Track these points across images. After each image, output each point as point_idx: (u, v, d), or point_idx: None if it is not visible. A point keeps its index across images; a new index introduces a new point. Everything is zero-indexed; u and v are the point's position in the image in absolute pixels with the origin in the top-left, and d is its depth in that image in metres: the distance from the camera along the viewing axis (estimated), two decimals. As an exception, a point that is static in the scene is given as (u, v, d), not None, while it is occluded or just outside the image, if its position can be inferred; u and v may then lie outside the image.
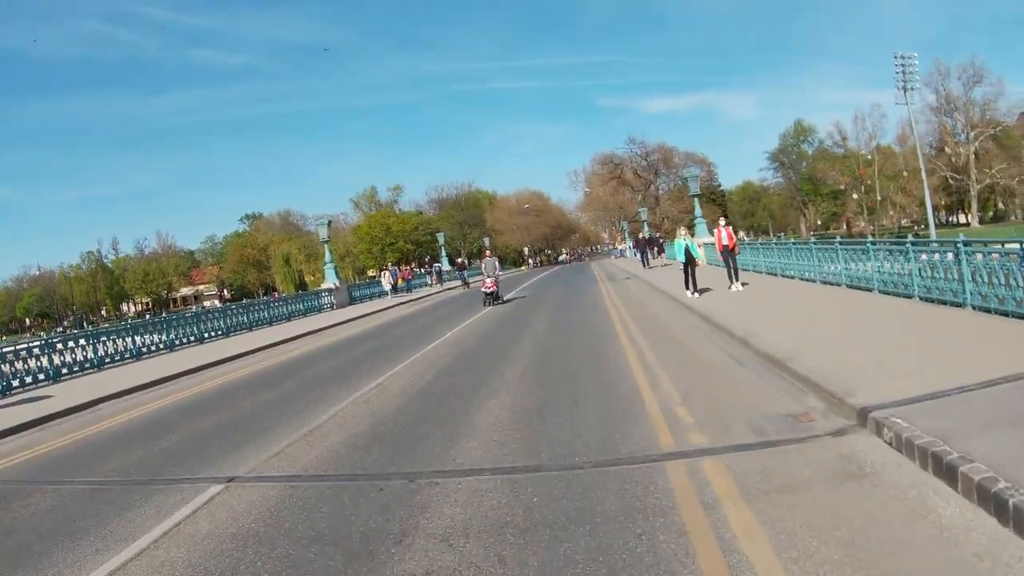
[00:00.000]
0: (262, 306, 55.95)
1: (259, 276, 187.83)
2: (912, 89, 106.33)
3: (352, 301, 68.11)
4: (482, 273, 52.31)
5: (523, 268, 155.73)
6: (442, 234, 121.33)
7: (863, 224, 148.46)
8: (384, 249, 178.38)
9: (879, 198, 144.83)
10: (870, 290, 26.42)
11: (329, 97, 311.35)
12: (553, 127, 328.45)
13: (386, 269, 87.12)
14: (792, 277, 36.38)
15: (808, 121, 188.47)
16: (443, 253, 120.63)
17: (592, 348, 23.47)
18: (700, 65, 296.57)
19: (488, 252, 56.55)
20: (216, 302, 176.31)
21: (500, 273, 53.78)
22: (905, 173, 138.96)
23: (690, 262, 34.49)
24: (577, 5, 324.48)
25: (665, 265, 64.59)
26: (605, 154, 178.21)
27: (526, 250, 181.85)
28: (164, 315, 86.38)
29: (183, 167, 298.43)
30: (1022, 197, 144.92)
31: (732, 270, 34.06)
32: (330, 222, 72.31)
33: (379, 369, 24.03)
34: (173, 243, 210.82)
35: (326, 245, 70.95)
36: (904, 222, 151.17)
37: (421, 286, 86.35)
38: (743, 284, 34.43)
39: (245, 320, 51.84)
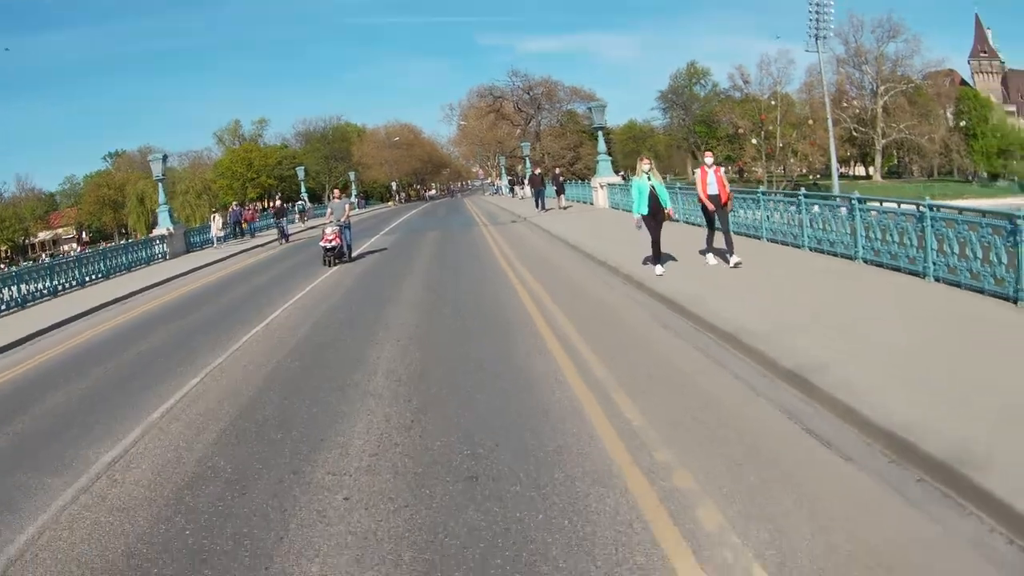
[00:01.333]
0: (69, 263, 42.64)
1: (116, 217, 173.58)
2: (824, 38, 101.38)
3: (190, 248, 56.94)
4: (326, 220, 40.28)
5: (390, 204, 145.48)
6: (302, 167, 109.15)
7: (760, 171, 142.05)
8: (245, 184, 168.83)
9: (780, 145, 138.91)
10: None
11: (206, 32, 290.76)
12: (431, 63, 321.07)
13: (216, 211, 72.23)
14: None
15: (702, 64, 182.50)
16: (303, 189, 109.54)
17: (508, 373, 13.80)
18: (582, 4, 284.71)
19: (338, 193, 40.79)
20: (75, 246, 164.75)
21: (353, 215, 44.72)
22: (811, 122, 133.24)
23: (655, 214, 21.30)
24: None
25: (565, 208, 55.32)
26: (485, 86, 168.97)
27: (394, 185, 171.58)
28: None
29: (52, 106, 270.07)
30: (931, 155, 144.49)
31: (725, 234, 21.37)
32: (165, 156, 60.09)
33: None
34: (33, 186, 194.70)
35: (160, 184, 58.69)
36: (803, 171, 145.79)
37: (266, 229, 71.49)
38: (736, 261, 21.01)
39: (43, 286, 36.70)
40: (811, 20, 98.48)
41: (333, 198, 40.52)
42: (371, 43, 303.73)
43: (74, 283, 39.54)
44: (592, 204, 56.14)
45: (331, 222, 35.91)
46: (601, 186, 54.45)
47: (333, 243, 34.56)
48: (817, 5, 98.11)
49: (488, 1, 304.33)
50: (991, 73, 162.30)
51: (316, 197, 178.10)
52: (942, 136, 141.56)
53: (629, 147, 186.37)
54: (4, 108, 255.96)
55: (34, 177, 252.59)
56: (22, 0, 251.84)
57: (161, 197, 58.31)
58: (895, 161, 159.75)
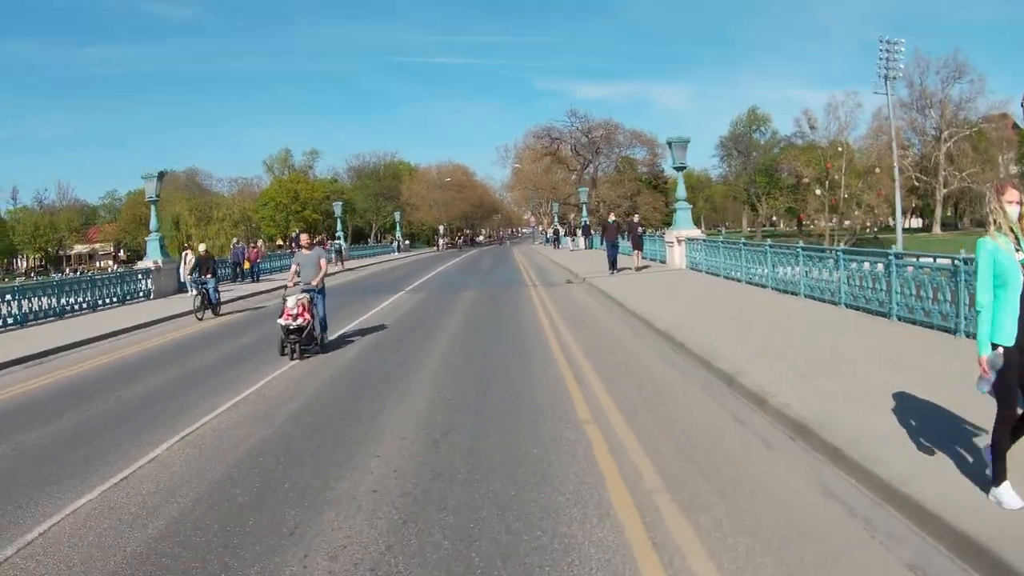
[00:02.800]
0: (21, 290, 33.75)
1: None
2: (894, 78, 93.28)
3: (183, 287, 45.60)
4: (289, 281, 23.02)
5: (434, 249, 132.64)
6: (340, 203, 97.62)
7: (822, 224, 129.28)
8: (289, 217, 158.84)
9: (845, 195, 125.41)
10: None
11: (266, 59, 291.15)
12: (487, 106, 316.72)
13: (188, 248, 52.12)
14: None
15: (763, 109, 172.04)
16: (339, 226, 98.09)
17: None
18: (638, 53, 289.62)
19: (306, 240, 23.97)
20: (111, 262, 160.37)
21: (395, 259, 37.57)
22: (878, 170, 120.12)
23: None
24: None
25: (641, 268, 44.24)
26: (543, 127, 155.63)
27: (441, 228, 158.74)
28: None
29: (112, 119, 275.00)
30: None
31: None
32: (161, 174, 47.74)
33: None
34: (75, 196, 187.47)
35: (153, 207, 47.35)
36: (867, 225, 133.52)
37: (279, 271, 62.41)
38: None
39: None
40: (881, 59, 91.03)
41: (301, 247, 23.30)
42: (428, 82, 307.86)
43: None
44: (665, 263, 45.93)
45: (295, 286, 21.55)
46: (679, 241, 43.38)
47: (299, 322, 20.51)
48: (888, 44, 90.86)
49: (545, 46, 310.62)
50: None
51: (362, 236, 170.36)
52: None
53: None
54: (58, 114, 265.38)
55: (77, 188, 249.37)
56: (87, 13, 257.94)
57: (152, 223, 48.11)
58: (949, 212, 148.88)
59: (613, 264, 42.99)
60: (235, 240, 73.11)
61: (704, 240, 41.85)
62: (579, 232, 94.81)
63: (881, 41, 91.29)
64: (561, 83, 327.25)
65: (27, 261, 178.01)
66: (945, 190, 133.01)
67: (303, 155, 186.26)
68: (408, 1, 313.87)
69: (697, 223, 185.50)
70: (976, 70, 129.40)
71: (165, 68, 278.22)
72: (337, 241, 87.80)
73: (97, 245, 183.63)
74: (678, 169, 46.36)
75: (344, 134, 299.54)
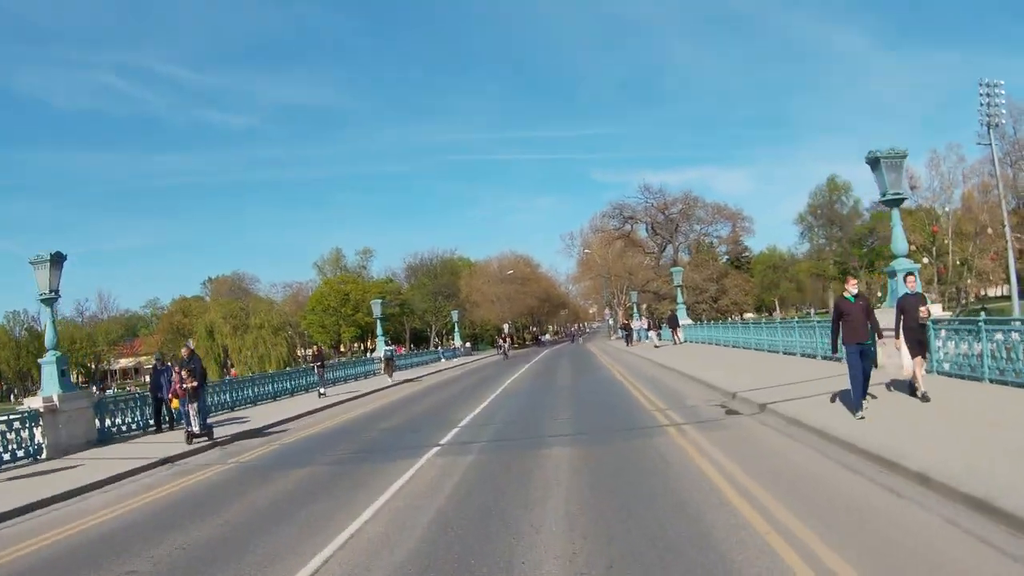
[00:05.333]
0: None
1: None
2: (997, 126, 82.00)
3: (106, 436, 29.75)
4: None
5: (498, 352, 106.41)
6: (378, 302, 78.48)
7: (934, 295, 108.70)
8: (340, 321, 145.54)
9: (956, 262, 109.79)
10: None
11: (323, 164, 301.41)
12: (546, 200, 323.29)
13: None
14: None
15: (843, 178, 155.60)
16: (380, 330, 78.35)
17: None
18: (693, 140, 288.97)
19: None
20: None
21: (439, 371, 26.36)
22: (989, 231, 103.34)
23: None
24: (574, 79, 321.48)
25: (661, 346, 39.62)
26: (614, 205, 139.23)
27: (505, 327, 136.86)
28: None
29: (179, 228, 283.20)
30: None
31: None
32: (59, 256, 27.98)
33: None
34: (117, 306, 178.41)
35: (49, 310, 28.64)
36: (980, 294, 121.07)
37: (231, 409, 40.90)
38: None
39: None
40: (981, 105, 79.05)
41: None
42: (484, 179, 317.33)
43: None
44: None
45: None
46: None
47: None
48: (988, 87, 79.16)
49: (601, 138, 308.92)
50: None
51: (422, 339, 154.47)
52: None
53: (769, 278, 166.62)
54: (107, 225, 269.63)
55: (123, 298, 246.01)
56: (148, 125, 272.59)
57: (48, 337, 29.92)
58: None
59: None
60: (156, 356, 46.92)
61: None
62: (665, 324, 78.27)
63: (981, 85, 79.58)
64: (619, 174, 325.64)
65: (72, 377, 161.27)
66: None
67: (356, 255, 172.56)
68: (461, 100, 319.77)
69: (781, 305, 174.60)
70: None
71: (222, 177, 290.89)
72: (388, 348, 71.55)
73: (143, 358, 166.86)
74: (890, 203, 27.48)
75: (400, 237, 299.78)
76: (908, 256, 26.40)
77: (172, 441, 27.93)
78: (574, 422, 24.70)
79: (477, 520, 12.89)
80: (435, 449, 21.29)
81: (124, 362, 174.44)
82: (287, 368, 66.03)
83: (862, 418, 17.47)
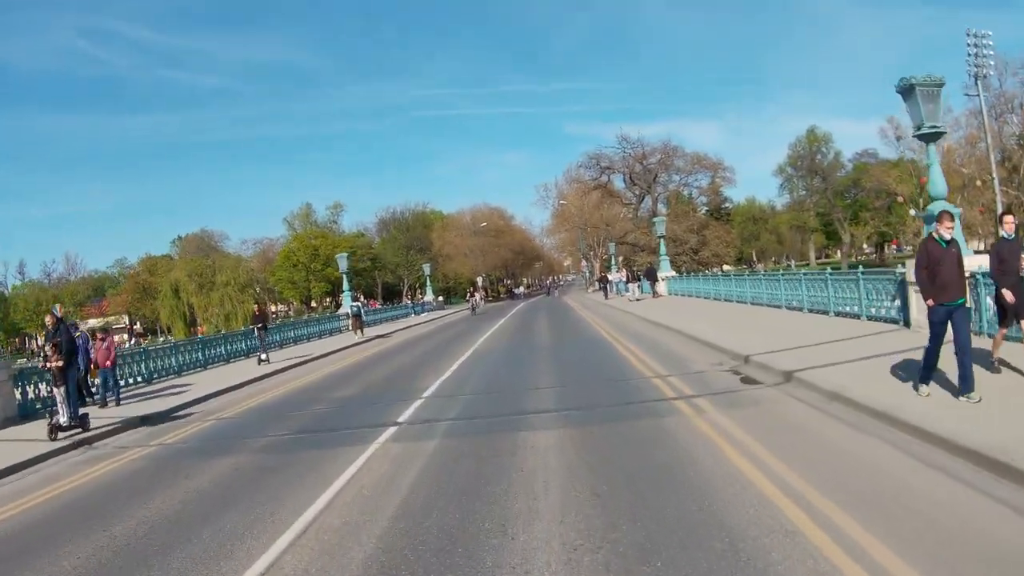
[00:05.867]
0: None
1: (154, 308, 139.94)
2: (985, 76, 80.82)
3: (27, 412, 25.94)
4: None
5: (468, 302, 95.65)
6: (344, 256, 74.46)
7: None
8: (309, 277, 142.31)
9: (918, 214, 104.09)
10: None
11: (293, 122, 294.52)
12: (518, 154, 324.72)
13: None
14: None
15: (822, 128, 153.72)
16: (347, 286, 75.75)
17: None
18: (665, 94, 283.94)
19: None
20: (126, 336, 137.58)
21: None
22: (979, 183, 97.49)
23: None
24: (544, 33, 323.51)
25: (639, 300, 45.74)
26: (590, 154, 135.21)
27: (479, 280, 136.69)
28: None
29: (149, 189, 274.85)
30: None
31: None
32: None
33: None
34: (85, 268, 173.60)
35: None
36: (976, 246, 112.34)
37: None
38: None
39: None
40: (969, 55, 78.93)
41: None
42: (456, 135, 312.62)
43: None
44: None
45: None
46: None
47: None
48: (976, 37, 78.76)
49: (572, 92, 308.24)
50: None
51: (394, 293, 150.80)
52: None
53: (749, 229, 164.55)
54: (75, 186, 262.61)
55: (92, 259, 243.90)
56: (114, 86, 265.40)
57: None
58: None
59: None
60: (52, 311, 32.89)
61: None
62: (643, 276, 75.11)
63: (968, 35, 78.96)
64: (591, 128, 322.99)
65: (38, 340, 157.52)
66: None
67: (326, 210, 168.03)
68: (431, 56, 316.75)
69: (761, 257, 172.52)
70: None
71: (191, 137, 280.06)
72: (355, 303, 67.76)
73: (111, 318, 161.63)
74: (927, 138, 23.44)
75: (372, 194, 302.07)
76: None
77: (95, 416, 23.33)
78: (560, 393, 20.64)
79: (434, 558, 8.89)
80: (391, 431, 17.16)
81: (93, 322, 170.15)
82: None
83: (928, 395, 13.65)
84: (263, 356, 38.93)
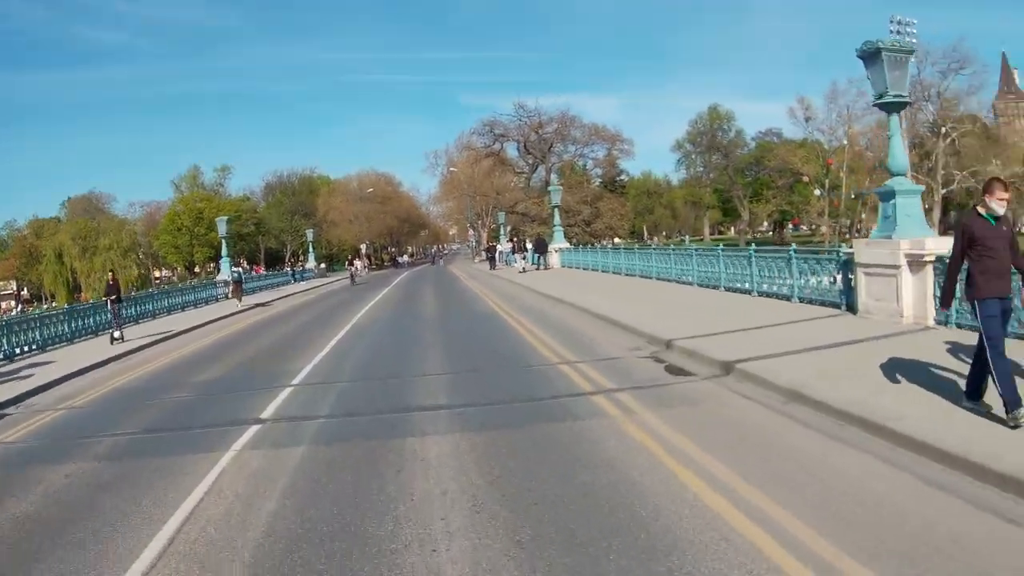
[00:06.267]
0: None
1: (38, 273, 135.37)
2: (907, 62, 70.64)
3: None
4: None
5: (351, 271, 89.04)
6: (224, 220, 69.00)
7: (825, 229, 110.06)
8: (193, 241, 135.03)
9: (851, 195, 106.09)
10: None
11: (192, 80, 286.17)
12: (414, 122, 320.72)
13: None
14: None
15: (725, 107, 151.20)
16: (226, 251, 69.67)
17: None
18: (564, 68, 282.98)
19: None
20: (13, 303, 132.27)
21: None
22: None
23: None
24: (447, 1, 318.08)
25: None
26: (484, 121, 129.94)
27: (363, 247, 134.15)
28: None
29: (44, 148, 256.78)
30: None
31: None
32: None
33: None
34: None
35: None
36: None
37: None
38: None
39: None
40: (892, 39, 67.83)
41: None
42: (350, 99, 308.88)
43: None
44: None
45: None
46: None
47: None
48: (899, 24, 65.85)
49: (472, 62, 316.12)
50: (1017, 116, 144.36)
51: (278, 259, 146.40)
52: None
53: (643, 203, 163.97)
54: None
55: None
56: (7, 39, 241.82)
57: None
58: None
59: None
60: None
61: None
62: (532, 247, 73.43)
63: (892, 21, 68.77)
64: (488, 98, 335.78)
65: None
66: (944, 190, 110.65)
67: (214, 172, 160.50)
68: (330, 20, 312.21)
69: (653, 231, 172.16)
70: (980, 61, 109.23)
71: (94, 96, 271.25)
72: (236, 270, 62.98)
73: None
74: (889, 107, 20.38)
75: (263, 157, 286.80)
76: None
77: None
78: (452, 383, 17.26)
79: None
80: (251, 432, 13.73)
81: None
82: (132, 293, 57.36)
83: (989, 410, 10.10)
84: (116, 333, 33.48)
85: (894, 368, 13.25)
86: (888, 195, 19.74)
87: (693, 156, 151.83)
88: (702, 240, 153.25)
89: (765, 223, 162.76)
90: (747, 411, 12.54)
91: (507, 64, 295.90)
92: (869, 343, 16.10)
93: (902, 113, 67.67)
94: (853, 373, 13.50)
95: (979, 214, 10.47)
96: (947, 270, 11.01)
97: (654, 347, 19.32)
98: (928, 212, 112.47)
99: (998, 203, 10.30)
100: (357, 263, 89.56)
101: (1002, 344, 10.16)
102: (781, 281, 26.24)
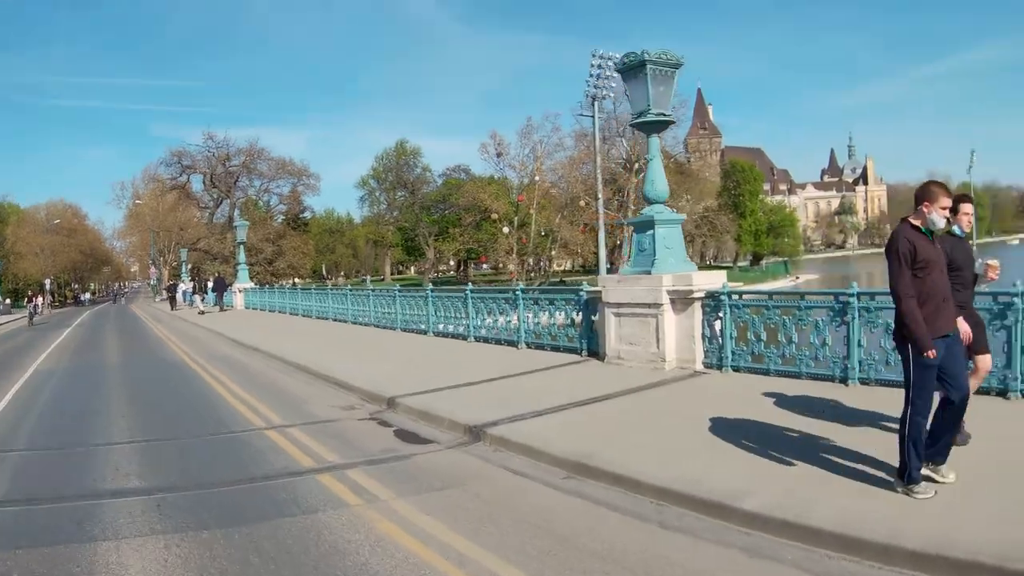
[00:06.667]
0: None
1: None
2: (605, 98, 79.18)
3: None
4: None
5: (30, 308, 79.64)
6: None
7: (512, 268, 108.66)
8: None
9: (541, 232, 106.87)
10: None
11: None
12: (104, 151, 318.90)
13: None
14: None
15: (413, 143, 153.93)
16: None
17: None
18: (252, 99, 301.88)
19: None
20: None
21: None
22: (583, 203, 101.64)
23: None
24: (146, 28, 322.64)
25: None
26: (173, 151, 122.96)
27: (47, 283, 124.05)
28: None
29: None
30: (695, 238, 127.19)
31: None
32: None
33: None
34: None
35: None
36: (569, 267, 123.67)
37: None
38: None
39: None
40: (591, 76, 75.51)
41: None
42: (39, 125, 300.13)
43: None
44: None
45: None
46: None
47: None
48: (601, 58, 74.80)
49: (162, 90, 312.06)
50: (710, 151, 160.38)
51: None
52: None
53: (325, 241, 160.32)
54: None
55: None
56: None
57: None
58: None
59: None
60: None
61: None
62: (211, 287, 68.73)
63: (594, 56, 75.23)
64: (180, 129, 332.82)
65: None
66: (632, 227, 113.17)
67: None
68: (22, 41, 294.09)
69: (334, 271, 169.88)
70: (680, 96, 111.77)
71: None
72: None
73: None
74: (650, 127, 17.95)
75: None
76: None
77: None
78: (146, 456, 13.19)
79: None
80: None
81: None
82: None
83: (926, 496, 8.02)
84: None
85: (693, 424, 11.10)
86: (645, 225, 17.62)
87: (377, 193, 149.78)
88: (383, 280, 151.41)
89: (452, 261, 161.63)
90: (529, 494, 9.72)
91: (199, 94, 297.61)
92: (639, 395, 14.00)
93: (599, 146, 67.89)
94: (645, 434, 11.20)
95: (913, 227, 7.87)
96: (904, 307, 8.05)
97: (373, 405, 16.40)
98: (619, 247, 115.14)
99: (939, 214, 7.72)
100: (38, 300, 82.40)
101: (930, 391, 8.06)
102: (499, 323, 24.48)
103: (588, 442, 11.06)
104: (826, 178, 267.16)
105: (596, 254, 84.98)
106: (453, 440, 12.82)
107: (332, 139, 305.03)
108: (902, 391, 8.23)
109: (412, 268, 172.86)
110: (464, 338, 26.10)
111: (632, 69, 17.46)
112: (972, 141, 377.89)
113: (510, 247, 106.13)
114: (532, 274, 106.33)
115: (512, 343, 23.09)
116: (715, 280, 16.65)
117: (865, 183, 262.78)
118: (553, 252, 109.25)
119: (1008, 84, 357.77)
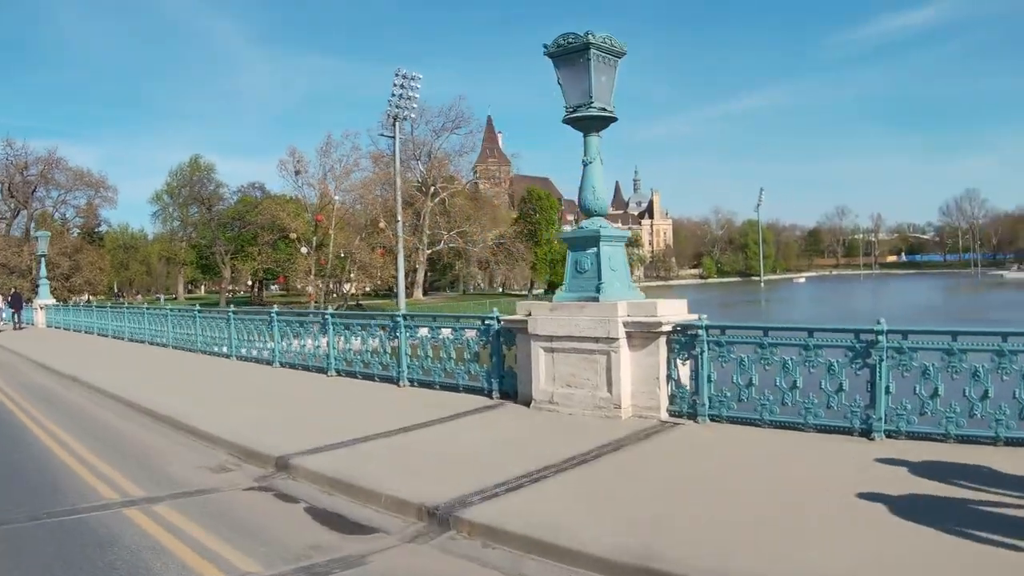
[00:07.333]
0: None
1: None
2: (405, 119, 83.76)
3: None
4: None
5: None
6: None
7: (311, 289, 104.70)
8: None
9: (340, 255, 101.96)
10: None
11: None
12: None
13: None
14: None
15: (208, 158, 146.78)
16: None
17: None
18: (48, 112, 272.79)
19: None
20: None
21: None
22: (382, 225, 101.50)
23: None
24: None
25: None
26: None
27: None
28: None
29: None
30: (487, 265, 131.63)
31: None
32: None
33: None
34: None
35: None
36: (366, 290, 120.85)
37: None
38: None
39: None
40: (394, 96, 78.62)
41: None
42: None
43: None
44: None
45: None
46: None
47: None
48: (404, 78, 79.40)
49: None
50: (501, 179, 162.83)
51: None
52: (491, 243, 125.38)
53: (119, 258, 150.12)
54: None
55: None
56: None
57: None
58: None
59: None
60: None
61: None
62: (7, 303, 62.63)
63: (397, 75, 79.28)
64: None
65: None
66: (430, 250, 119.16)
67: None
68: None
69: (127, 288, 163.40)
70: (476, 122, 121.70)
71: None
72: None
73: None
74: (589, 123, 14.33)
75: None
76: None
77: None
78: None
79: None
80: None
81: None
82: None
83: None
84: None
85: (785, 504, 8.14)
86: (587, 241, 14.24)
87: (171, 209, 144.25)
88: (175, 299, 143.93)
89: (250, 280, 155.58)
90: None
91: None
92: (628, 451, 10.97)
93: (398, 167, 65.89)
94: (702, 507, 8.18)
95: None
96: None
97: (253, 467, 12.16)
98: (413, 272, 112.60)
99: None
100: None
101: None
102: (307, 348, 23.01)
103: (630, 528, 7.81)
104: (611, 210, 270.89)
105: (395, 277, 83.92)
106: (404, 528, 8.97)
107: (127, 156, 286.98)
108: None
109: (203, 287, 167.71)
110: (269, 363, 24.43)
111: (570, 54, 13.99)
112: (754, 181, 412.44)
113: (309, 268, 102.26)
114: (332, 296, 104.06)
115: (322, 370, 21.60)
116: (681, 310, 13.63)
117: (651, 216, 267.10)
118: (352, 275, 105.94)
119: (784, 128, 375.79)
